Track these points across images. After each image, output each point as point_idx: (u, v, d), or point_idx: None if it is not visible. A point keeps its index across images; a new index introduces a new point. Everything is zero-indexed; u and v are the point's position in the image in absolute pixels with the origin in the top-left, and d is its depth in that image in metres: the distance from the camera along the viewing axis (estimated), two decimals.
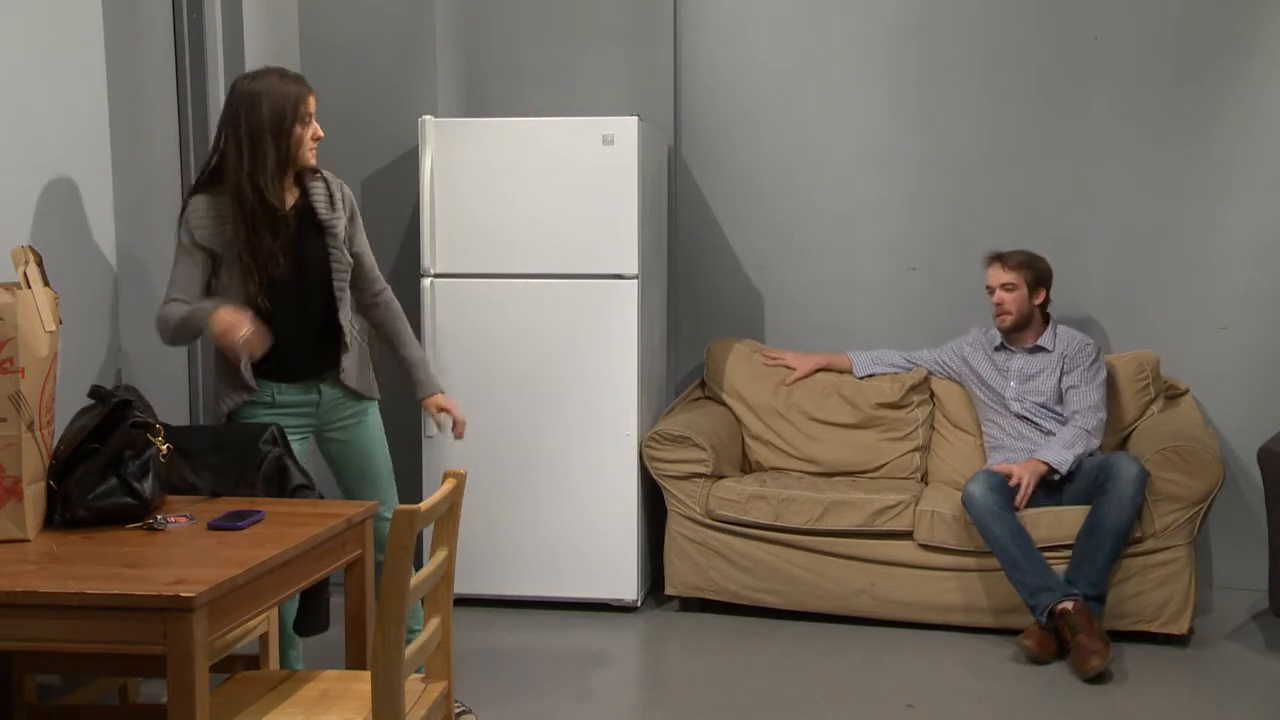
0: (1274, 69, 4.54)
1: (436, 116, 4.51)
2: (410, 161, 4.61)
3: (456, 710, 3.46)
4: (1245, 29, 4.55)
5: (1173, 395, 4.59)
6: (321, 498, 2.99)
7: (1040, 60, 4.72)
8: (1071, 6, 4.68)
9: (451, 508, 2.59)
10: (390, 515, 2.36)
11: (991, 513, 4.00)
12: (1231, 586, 4.64)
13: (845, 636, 4.19)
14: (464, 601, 4.44)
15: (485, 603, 4.48)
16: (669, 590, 4.44)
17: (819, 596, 4.29)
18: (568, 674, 3.87)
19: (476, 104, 4.95)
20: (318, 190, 3.20)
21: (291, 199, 3.15)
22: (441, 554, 2.59)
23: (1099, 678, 3.78)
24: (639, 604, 4.46)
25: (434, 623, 2.59)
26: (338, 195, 3.24)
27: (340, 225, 3.23)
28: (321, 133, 3.15)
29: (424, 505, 2.36)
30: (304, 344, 3.21)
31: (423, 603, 2.64)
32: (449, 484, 2.59)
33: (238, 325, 2.91)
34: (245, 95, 3.04)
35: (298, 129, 3.06)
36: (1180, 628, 4.03)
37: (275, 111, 3.02)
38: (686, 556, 4.39)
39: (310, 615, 2.88)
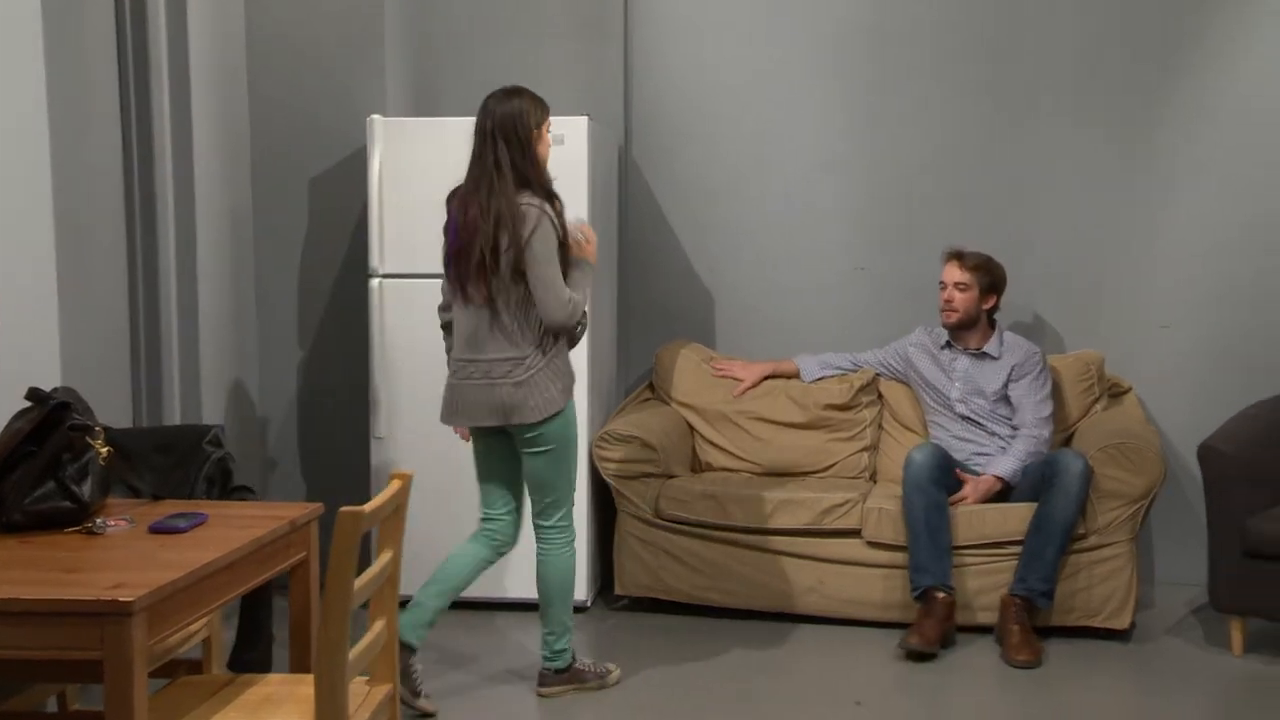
0: (1215, 73, 4.61)
1: (385, 115, 4.48)
2: (358, 161, 4.58)
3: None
4: (1187, 33, 4.62)
5: (1116, 394, 4.65)
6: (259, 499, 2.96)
7: (988, 63, 4.77)
8: (1019, 11, 4.74)
9: (397, 509, 2.58)
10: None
11: (919, 485, 4.06)
12: (1173, 582, 4.71)
13: (795, 635, 4.21)
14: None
15: None
16: (619, 590, 4.44)
17: (768, 595, 4.31)
18: (518, 675, 3.86)
19: (426, 103, 4.93)
20: None
21: None
22: (387, 555, 2.57)
23: (1038, 670, 3.84)
24: (589, 604, 4.46)
25: (379, 625, 2.57)
26: None
27: None
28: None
29: (368, 507, 2.35)
30: None
31: (367, 605, 2.63)
32: (395, 485, 2.58)
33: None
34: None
35: (545, 135, 3.55)
36: (1122, 623, 4.09)
37: (539, 119, 3.51)
38: (636, 556, 4.40)
39: (249, 650, 2.85)
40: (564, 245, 3.44)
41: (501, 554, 3.70)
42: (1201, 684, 3.80)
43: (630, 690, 3.75)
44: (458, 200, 3.53)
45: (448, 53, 4.93)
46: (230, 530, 2.55)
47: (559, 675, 3.69)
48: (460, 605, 4.44)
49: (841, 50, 4.85)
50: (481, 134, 3.49)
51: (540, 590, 3.65)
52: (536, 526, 3.64)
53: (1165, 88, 4.66)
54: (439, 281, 4.35)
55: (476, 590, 4.43)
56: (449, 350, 3.65)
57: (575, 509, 4.33)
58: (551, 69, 4.85)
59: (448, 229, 3.56)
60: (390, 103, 4.64)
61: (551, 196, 3.47)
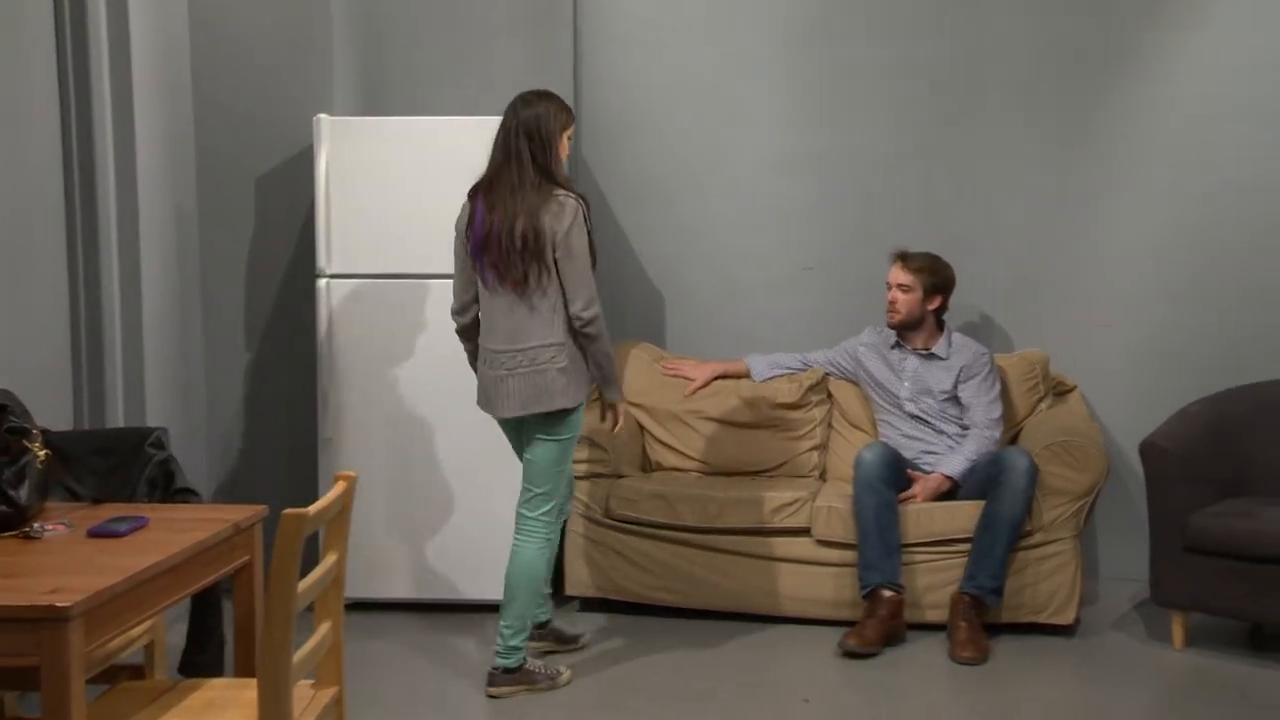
0: (1155, 76, 4.68)
1: (332, 114, 4.45)
2: (305, 160, 4.54)
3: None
4: (1129, 36, 4.68)
5: (1061, 392, 4.71)
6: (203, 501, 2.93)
7: (937, 63, 4.81)
8: (967, 12, 4.78)
9: (342, 511, 2.56)
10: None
11: (869, 484, 4.09)
12: (1116, 577, 4.77)
13: (744, 633, 4.22)
14: (363, 606, 4.39)
15: (385, 606, 4.42)
16: (569, 591, 4.43)
17: (718, 594, 4.32)
18: (469, 676, 3.84)
19: (374, 102, 4.89)
20: None
21: None
22: (332, 557, 2.55)
23: (986, 666, 3.89)
24: None
25: (324, 627, 2.55)
26: None
27: None
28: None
29: (312, 509, 2.33)
30: None
31: (312, 607, 2.60)
32: (339, 487, 2.56)
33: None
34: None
35: (565, 140, 3.66)
36: (1067, 618, 4.13)
37: (564, 123, 3.64)
38: (586, 557, 4.39)
39: (199, 653, 2.82)
40: (591, 241, 3.58)
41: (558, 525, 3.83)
42: (1144, 677, 3.85)
43: (580, 691, 3.75)
44: (482, 194, 3.60)
45: (396, 51, 4.90)
46: (171, 534, 2.52)
47: (508, 675, 3.68)
48: (409, 607, 4.43)
49: (791, 49, 4.87)
50: (506, 131, 3.61)
51: (508, 581, 3.66)
52: (520, 515, 3.69)
53: (1108, 90, 4.72)
54: (387, 281, 4.36)
55: (430, 592, 4.42)
56: (471, 353, 3.78)
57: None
58: (500, 68, 4.83)
59: (468, 223, 3.63)
60: (337, 102, 4.61)
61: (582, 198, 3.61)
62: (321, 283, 4.35)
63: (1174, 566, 3.98)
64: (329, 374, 4.37)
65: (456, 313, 3.76)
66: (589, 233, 3.58)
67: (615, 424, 3.79)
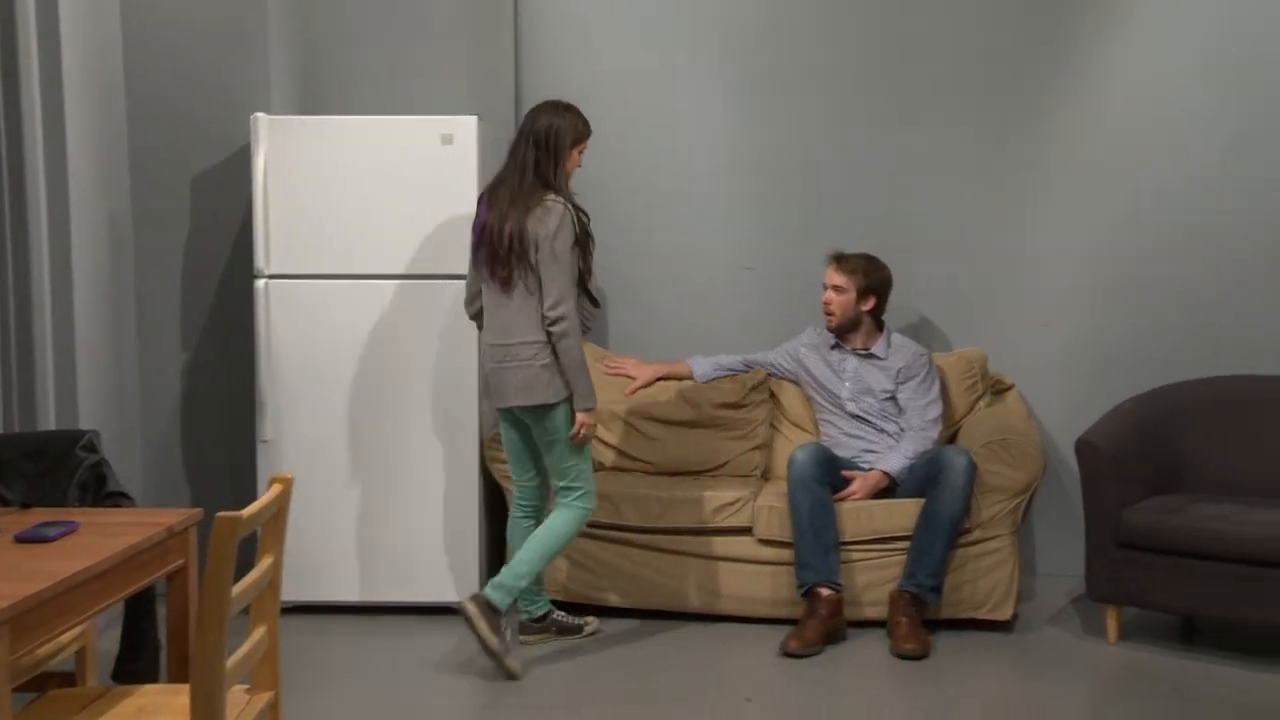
0: (1084, 80, 4.75)
1: (270, 114, 4.40)
2: (242, 159, 4.49)
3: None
4: (1061, 38, 4.75)
5: (999, 390, 4.77)
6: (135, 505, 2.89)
7: (874, 65, 4.86)
8: (906, 13, 4.82)
9: (278, 513, 2.54)
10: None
11: (802, 483, 4.12)
12: (1053, 573, 4.84)
13: (687, 633, 4.23)
14: (304, 609, 4.35)
15: (326, 609, 4.39)
16: None
17: (660, 594, 4.33)
18: (410, 678, 3.82)
19: (312, 101, 4.85)
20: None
21: None
22: (267, 560, 2.53)
23: (926, 662, 3.93)
24: None
25: (260, 631, 2.52)
26: None
27: None
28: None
29: (246, 511, 2.31)
30: None
31: (247, 611, 2.58)
32: (275, 489, 2.53)
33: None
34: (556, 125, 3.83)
35: (575, 154, 3.89)
36: (1005, 614, 4.19)
37: (576, 138, 3.85)
38: None
39: (134, 660, 2.77)
40: (582, 248, 3.78)
41: (535, 511, 4.05)
42: (1078, 671, 3.91)
43: (522, 691, 3.74)
44: (487, 195, 3.86)
45: (335, 51, 4.86)
46: (103, 538, 2.48)
47: (535, 623, 4.07)
48: (349, 610, 4.39)
49: (730, 51, 4.90)
50: (520, 135, 3.85)
51: (533, 534, 3.89)
52: (559, 489, 3.92)
53: (1041, 93, 4.79)
54: (327, 282, 4.33)
55: (370, 595, 4.39)
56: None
57: (470, 509, 4.36)
58: (441, 68, 4.81)
59: (476, 224, 3.86)
60: (275, 101, 4.56)
61: (576, 207, 3.79)
62: (260, 283, 4.31)
63: (1107, 562, 4.05)
64: (268, 375, 4.32)
65: (466, 303, 4.04)
66: (582, 243, 3.76)
67: (577, 430, 3.81)
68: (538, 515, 4.06)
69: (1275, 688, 3.74)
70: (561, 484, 3.89)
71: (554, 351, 3.75)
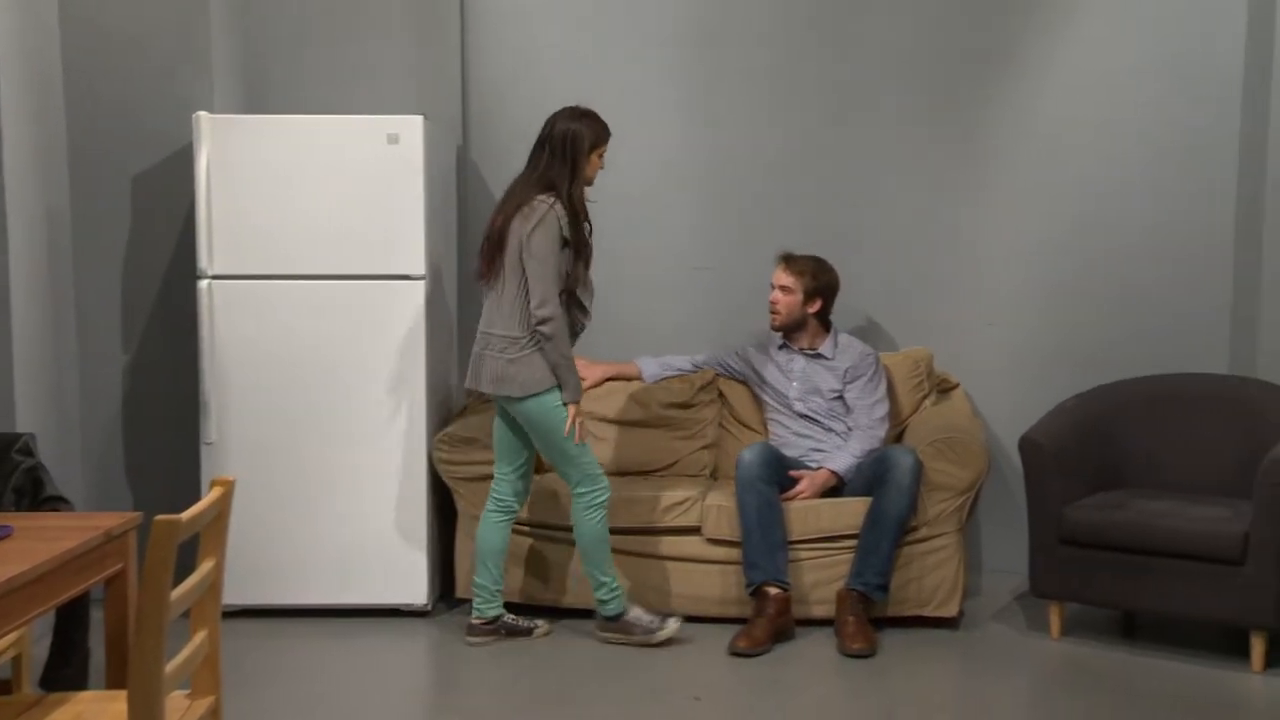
0: (1030, 81, 4.80)
1: (213, 112, 4.35)
2: (184, 158, 4.43)
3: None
4: (1006, 40, 4.80)
5: (945, 389, 4.81)
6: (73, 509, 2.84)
7: (824, 65, 4.88)
8: (854, 13, 4.85)
9: (218, 516, 2.51)
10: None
11: (749, 483, 4.13)
12: (998, 570, 4.89)
13: None
14: (249, 612, 4.31)
15: (272, 613, 4.34)
16: (460, 593, 4.40)
17: None
18: (357, 682, 3.79)
19: (256, 100, 4.80)
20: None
21: None
22: (208, 564, 2.50)
23: (873, 660, 3.96)
24: (430, 608, 4.41)
25: (200, 635, 2.49)
26: None
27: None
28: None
29: (186, 515, 2.28)
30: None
31: (187, 614, 2.54)
32: (215, 492, 2.50)
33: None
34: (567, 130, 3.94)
35: (595, 158, 3.99)
36: (951, 611, 4.23)
37: (594, 142, 3.95)
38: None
39: (63, 667, 2.73)
40: (576, 253, 3.89)
41: (509, 509, 4.12)
42: (1022, 667, 3.96)
43: (471, 693, 3.72)
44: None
45: (279, 50, 4.81)
46: (38, 543, 2.44)
47: (609, 623, 4.09)
48: (295, 614, 4.35)
49: (678, 51, 4.91)
50: (538, 141, 3.97)
51: (580, 551, 4.07)
52: (572, 494, 4.04)
53: (987, 94, 4.84)
54: (272, 282, 4.29)
55: (316, 598, 4.35)
56: None
57: (417, 511, 4.32)
58: (386, 68, 4.78)
59: None
60: (218, 99, 4.51)
61: (576, 211, 3.89)
62: (203, 283, 4.26)
63: (1050, 558, 4.10)
64: (212, 377, 4.27)
65: None
66: (575, 248, 3.86)
67: (569, 424, 3.91)
68: (511, 514, 4.13)
69: (1213, 681, 3.81)
70: (571, 487, 4.03)
71: (524, 348, 3.87)
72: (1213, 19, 4.66)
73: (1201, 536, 3.84)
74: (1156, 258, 4.77)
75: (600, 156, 4.00)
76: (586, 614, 4.34)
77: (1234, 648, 3.99)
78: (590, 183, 3.98)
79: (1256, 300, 4.56)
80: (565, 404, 3.91)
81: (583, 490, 4.00)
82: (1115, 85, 4.75)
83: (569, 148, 3.90)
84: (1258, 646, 3.86)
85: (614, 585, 4.06)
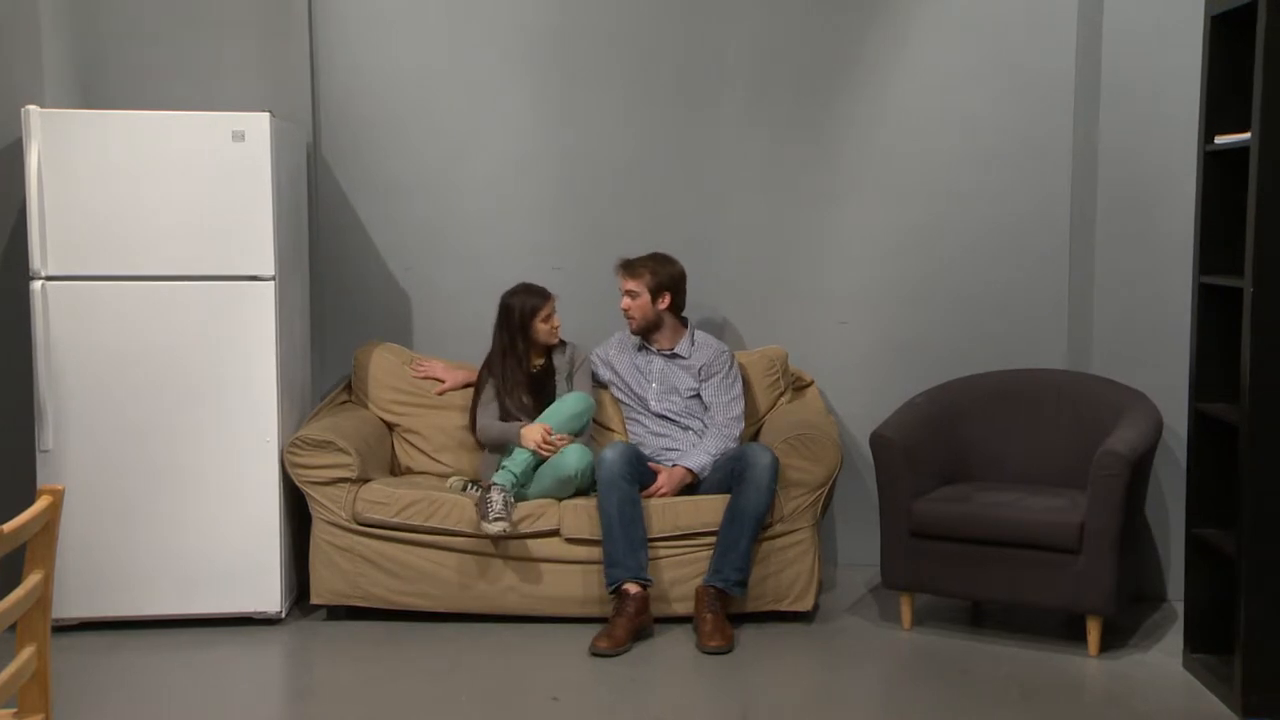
0: (875, 84, 4.89)
1: (44, 107, 4.18)
2: (13, 154, 4.24)
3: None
4: (851, 43, 4.86)
5: (800, 387, 4.89)
6: None
7: (675, 66, 4.91)
8: (703, 15, 4.90)
9: (47, 526, 2.41)
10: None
11: (612, 481, 4.15)
12: (853, 563, 4.99)
13: (496, 635, 4.20)
14: (95, 625, 4.15)
15: (116, 625, 4.18)
16: (314, 599, 4.31)
17: (469, 597, 4.28)
18: (206, 693, 3.68)
19: (95, 95, 4.62)
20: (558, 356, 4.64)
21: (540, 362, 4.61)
22: (36, 577, 2.39)
23: (730, 655, 4.00)
24: (283, 615, 4.30)
25: (27, 651, 2.39)
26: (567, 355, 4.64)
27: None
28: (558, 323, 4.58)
29: (9, 526, 2.18)
30: None
31: (15, 629, 2.43)
32: (43, 501, 2.40)
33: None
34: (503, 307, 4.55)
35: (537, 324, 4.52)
36: (806, 605, 4.30)
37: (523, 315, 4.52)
38: (332, 563, 4.28)
39: None
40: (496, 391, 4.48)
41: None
42: (875, 658, 4.05)
43: (327, 701, 3.65)
44: None
45: (118, 44, 4.64)
46: None
47: (492, 485, 4.21)
48: (137, 625, 4.20)
49: (531, 49, 4.88)
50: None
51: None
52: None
53: (836, 95, 4.91)
54: (113, 283, 4.13)
55: (158, 608, 4.21)
56: None
57: (269, 516, 4.22)
58: (232, 64, 4.65)
59: None
60: (49, 94, 4.32)
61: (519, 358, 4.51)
62: (36, 285, 4.08)
63: (901, 551, 4.20)
64: (47, 382, 4.10)
65: None
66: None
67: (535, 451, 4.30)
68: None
69: (1054, 665, 3.96)
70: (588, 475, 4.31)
71: None
72: (1045, 27, 4.79)
73: (1040, 527, 3.98)
74: (997, 259, 4.91)
75: (542, 323, 4.52)
76: (451, 618, 4.30)
77: (1073, 633, 4.15)
78: (538, 342, 4.57)
79: (1090, 298, 4.75)
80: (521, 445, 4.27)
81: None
82: (954, 90, 4.84)
83: (512, 319, 4.53)
84: (1093, 631, 4.02)
85: (523, 472, 4.26)
